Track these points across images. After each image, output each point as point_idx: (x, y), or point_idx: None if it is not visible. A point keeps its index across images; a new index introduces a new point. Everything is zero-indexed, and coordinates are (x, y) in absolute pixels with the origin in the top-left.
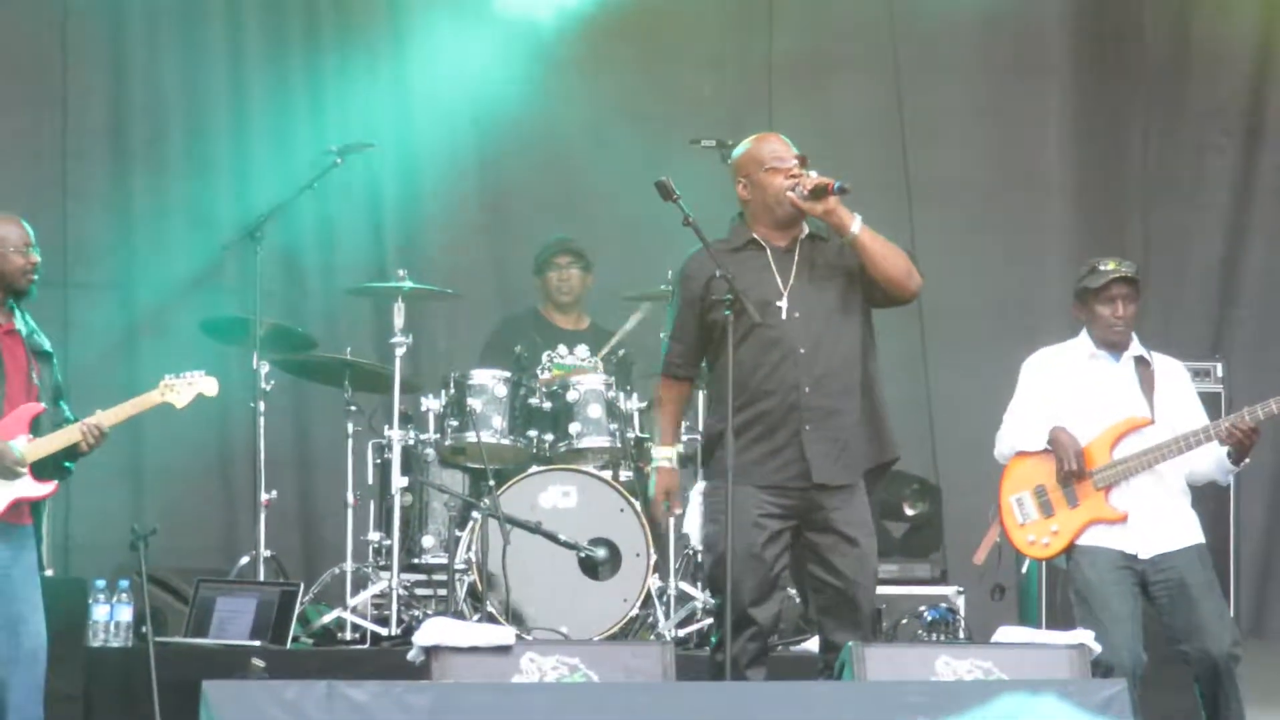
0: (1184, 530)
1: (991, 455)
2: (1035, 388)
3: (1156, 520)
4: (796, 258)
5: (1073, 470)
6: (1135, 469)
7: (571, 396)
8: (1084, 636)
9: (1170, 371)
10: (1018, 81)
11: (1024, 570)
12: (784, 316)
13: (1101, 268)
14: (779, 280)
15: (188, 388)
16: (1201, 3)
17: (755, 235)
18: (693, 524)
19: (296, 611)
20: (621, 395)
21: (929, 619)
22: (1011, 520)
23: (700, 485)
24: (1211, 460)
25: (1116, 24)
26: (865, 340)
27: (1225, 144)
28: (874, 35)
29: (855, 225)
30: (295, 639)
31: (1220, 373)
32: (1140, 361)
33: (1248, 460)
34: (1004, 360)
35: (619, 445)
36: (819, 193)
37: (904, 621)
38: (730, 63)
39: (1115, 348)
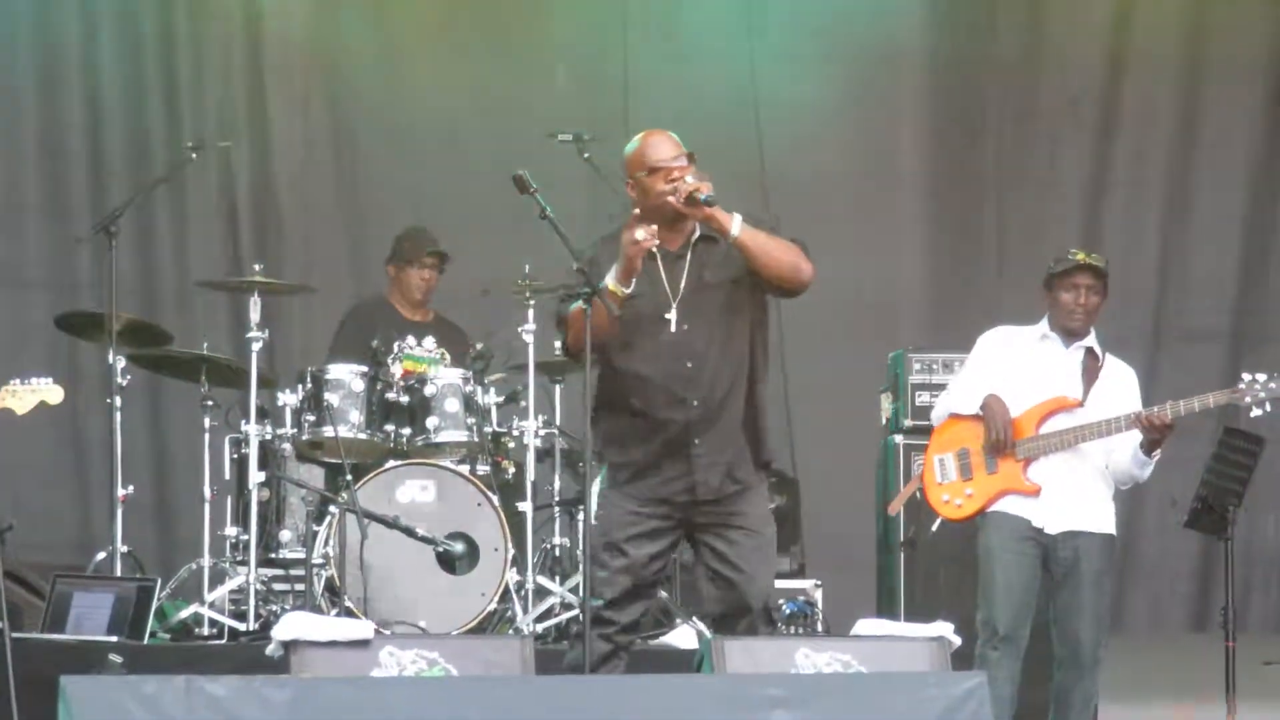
0: (1095, 516)
1: (848, 448)
2: (983, 359)
3: (1069, 499)
4: (688, 263)
5: (999, 439)
6: (1057, 445)
7: (429, 391)
8: (944, 629)
9: (1118, 372)
10: (872, 74)
11: (934, 528)
12: (674, 329)
13: (1070, 255)
14: (668, 290)
15: (30, 394)
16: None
17: None
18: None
19: (154, 607)
20: (479, 390)
21: (787, 612)
22: (931, 478)
23: (598, 481)
24: (1129, 453)
25: (969, 18)
26: (754, 341)
27: (1078, 136)
28: (729, 26)
29: (735, 227)
30: (153, 634)
31: None
32: (1089, 354)
33: (1159, 453)
34: (860, 352)
35: (476, 440)
36: (693, 199)
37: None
38: (585, 53)
39: (1071, 335)
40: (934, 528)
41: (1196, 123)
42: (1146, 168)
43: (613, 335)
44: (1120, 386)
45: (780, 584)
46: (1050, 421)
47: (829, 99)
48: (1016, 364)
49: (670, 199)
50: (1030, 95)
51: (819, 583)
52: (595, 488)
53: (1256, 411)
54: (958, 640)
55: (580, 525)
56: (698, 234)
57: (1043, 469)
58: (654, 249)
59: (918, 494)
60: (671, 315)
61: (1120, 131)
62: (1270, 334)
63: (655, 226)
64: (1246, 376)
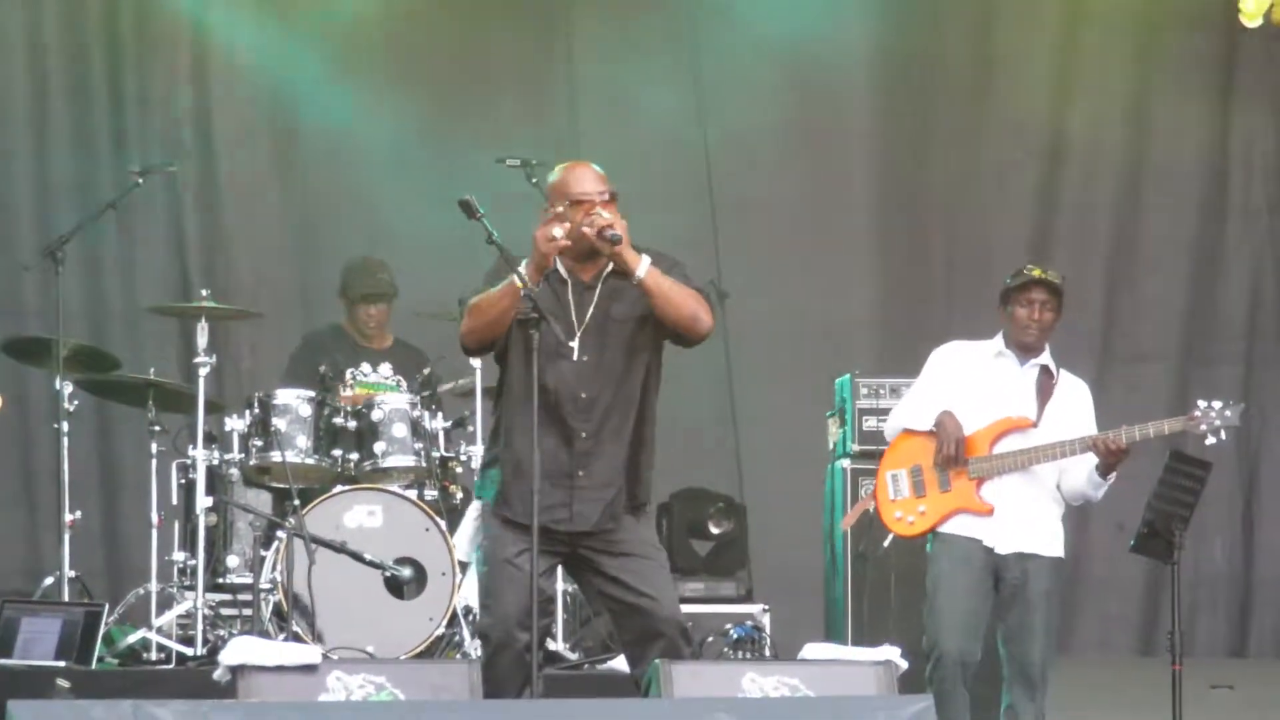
0: (1046, 537)
1: (797, 473)
2: (936, 375)
3: (1021, 520)
4: (597, 296)
5: (950, 455)
6: (1010, 466)
7: (376, 416)
8: (890, 653)
9: (1072, 389)
10: (820, 99)
11: (885, 544)
12: (574, 358)
13: (1025, 270)
14: (575, 320)
15: None
16: (1000, 24)
17: (560, 266)
18: (463, 536)
19: (101, 632)
20: (426, 414)
21: (735, 636)
22: (884, 494)
23: (475, 505)
24: (1083, 473)
25: (918, 44)
26: (648, 383)
27: (1025, 161)
28: (676, 53)
29: (641, 269)
30: (100, 659)
31: None
32: (1044, 371)
33: (1113, 478)
34: (808, 377)
35: (424, 464)
36: (605, 236)
37: (710, 639)
38: (533, 78)
39: (1026, 351)
40: (885, 543)
41: (1144, 146)
42: (1094, 192)
43: (498, 335)
44: (1074, 405)
45: (728, 609)
46: (1004, 441)
47: (777, 124)
48: (970, 380)
49: (586, 230)
50: (978, 121)
51: (766, 607)
52: (472, 513)
53: (1211, 440)
54: (904, 664)
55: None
56: (609, 269)
57: (996, 489)
58: (565, 277)
59: (869, 510)
60: (574, 344)
61: (1068, 157)
62: (1217, 356)
63: (568, 224)
64: (1202, 404)
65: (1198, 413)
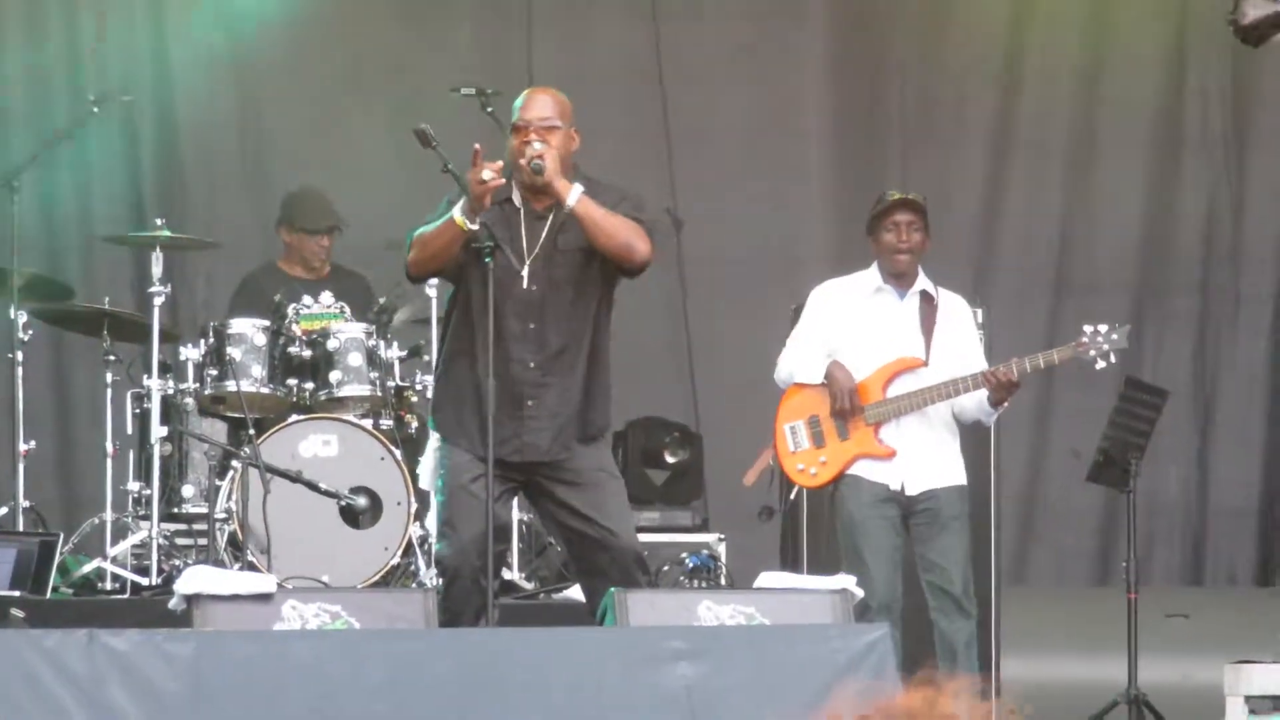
0: (948, 469)
1: (753, 401)
2: (818, 319)
3: (923, 458)
4: (547, 226)
5: (845, 409)
6: (905, 409)
7: (332, 345)
8: (846, 581)
9: (954, 311)
10: (776, 27)
11: (792, 496)
12: (524, 286)
13: (885, 195)
14: (525, 248)
15: None
16: None
17: (515, 195)
18: (425, 466)
19: (56, 562)
20: (382, 344)
21: (690, 566)
22: (784, 447)
23: (435, 437)
24: (975, 402)
25: None
26: (599, 316)
27: (983, 95)
28: None
29: (571, 198)
30: (55, 589)
31: (980, 319)
32: (925, 299)
33: (1005, 405)
34: (764, 306)
35: (379, 394)
36: (536, 168)
37: (666, 569)
38: (488, 6)
39: (901, 279)
40: (792, 496)
41: (1100, 78)
42: (1050, 121)
43: (442, 267)
44: (959, 331)
45: (683, 538)
46: (896, 383)
47: (733, 52)
48: (854, 320)
49: (521, 160)
50: (936, 53)
51: (722, 536)
52: (433, 442)
53: (1100, 364)
54: (860, 592)
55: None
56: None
57: (894, 431)
58: (519, 206)
59: (771, 464)
60: (524, 273)
61: (1024, 86)
62: (1173, 286)
63: (500, 164)
64: (1088, 329)
65: (1085, 339)
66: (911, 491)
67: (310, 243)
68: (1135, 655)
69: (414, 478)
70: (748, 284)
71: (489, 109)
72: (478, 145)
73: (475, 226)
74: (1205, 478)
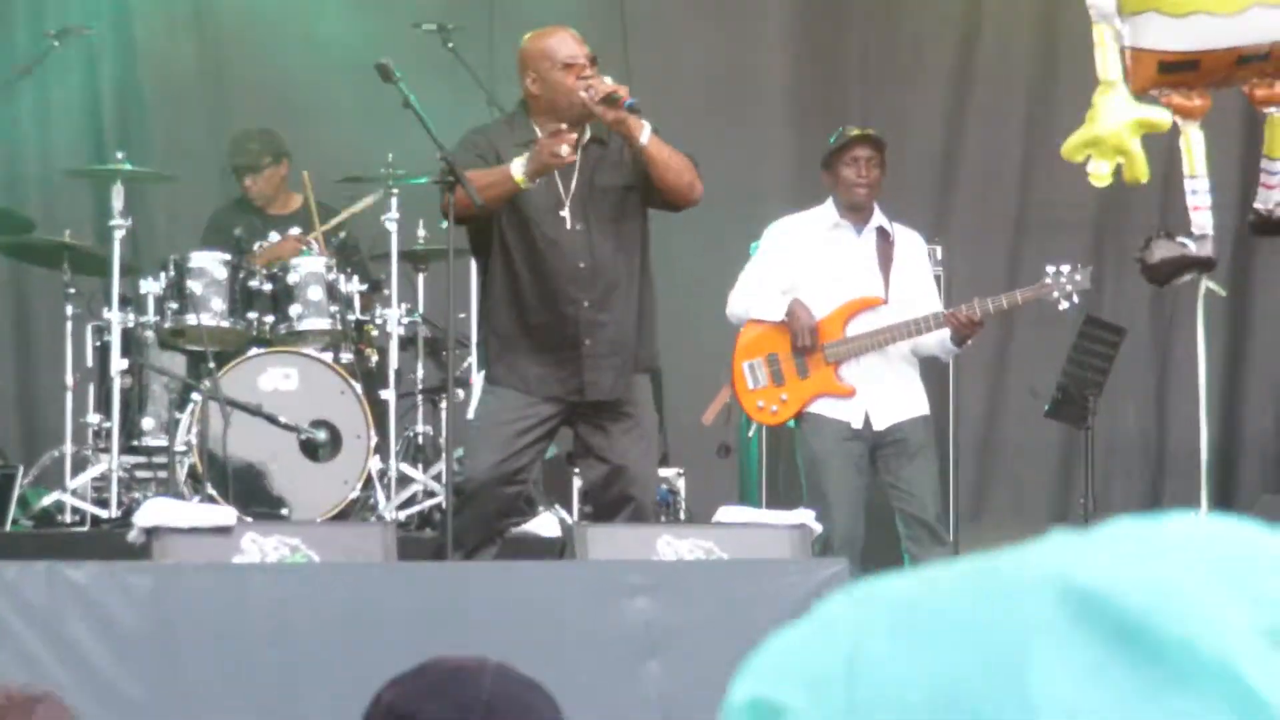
0: (912, 401)
1: (711, 339)
2: (774, 255)
3: (883, 395)
4: (579, 163)
5: (805, 346)
6: (865, 348)
7: (292, 279)
8: (805, 516)
9: (909, 246)
10: None
11: (749, 434)
12: (568, 227)
13: (845, 130)
14: (560, 187)
15: None
16: None
17: (537, 130)
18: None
19: (15, 494)
20: (342, 278)
21: None
22: (743, 384)
23: (483, 383)
24: (935, 338)
25: None
26: (645, 247)
27: (943, 33)
28: None
29: (644, 135)
30: (14, 521)
31: (940, 257)
32: (881, 234)
33: (969, 343)
34: (725, 248)
35: (339, 328)
36: (611, 100)
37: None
38: None
39: (858, 212)
40: (750, 433)
41: (1059, 15)
42: (1010, 63)
43: (475, 212)
44: (915, 264)
45: None
46: (855, 321)
47: (693, 6)
48: (811, 257)
49: (585, 95)
50: (894, 6)
51: (681, 471)
52: (479, 379)
53: (1064, 305)
54: (819, 527)
55: (444, 414)
56: (589, 135)
57: (854, 369)
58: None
59: (729, 402)
60: (565, 213)
61: (984, 32)
62: (1132, 225)
63: (574, 135)
64: (1050, 269)
65: (1048, 279)
66: (879, 426)
67: (247, 182)
68: None
69: (377, 408)
70: (705, 222)
71: (449, 44)
72: (581, 89)
73: (534, 185)
74: (1163, 414)
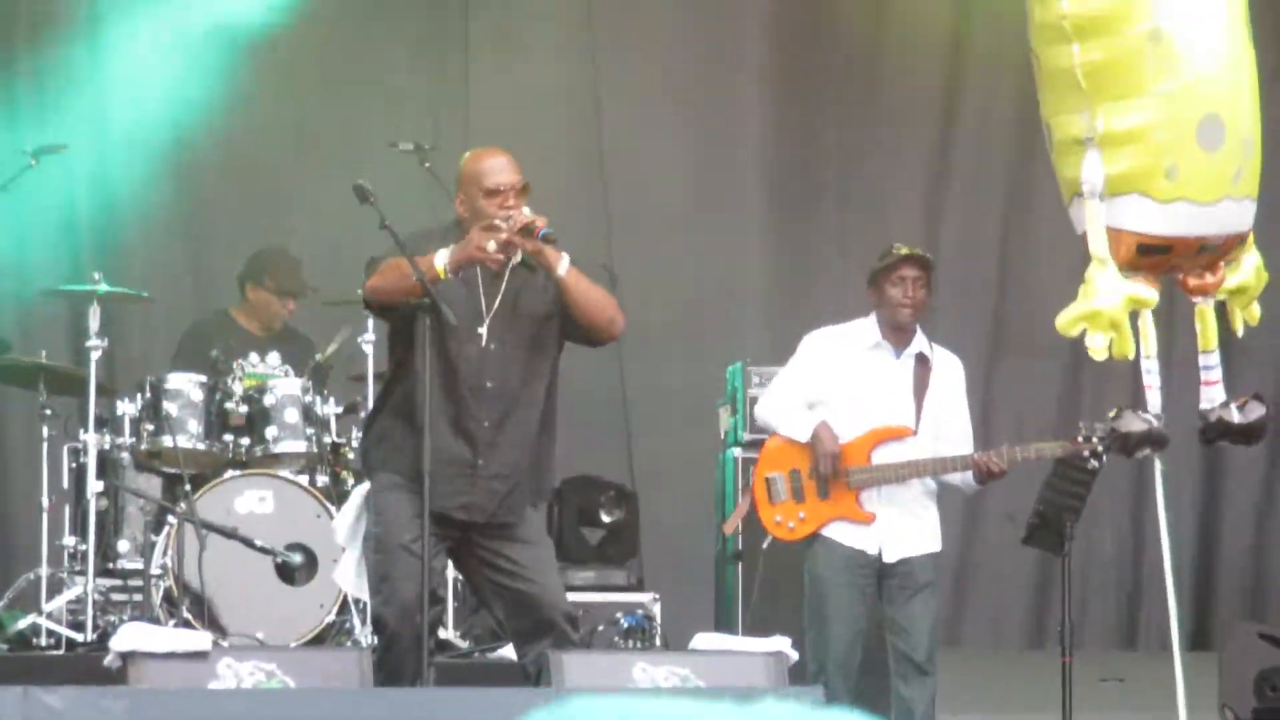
0: (926, 536)
1: (688, 461)
2: (808, 368)
3: (900, 527)
4: (504, 285)
5: (827, 473)
6: (889, 479)
7: (268, 401)
8: (780, 644)
9: (946, 374)
10: (713, 72)
11: (765, 546)
12: (482, 344)
13: (894, 249)
14: (483, 305)
15: None
16: (894, 10)
17: None
18: (343, 521)
19: None
20: (318, 400)
21: (625, 626)
22: (762, 496)
23: (364, 485)
24: (959, 475)
25: (812, 19)
26: (552, 379)
27: (917, 137)
28: (569, 16)
29: (562, 267)
30: None
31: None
32: (920, 360)
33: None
34: (701, 360)
35: (315, 450)
36: (526, 231)
37: (600, 628)
38: (426, 45)
39: (900, 333)
40: (765, 545)
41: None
42: (987, 173)
43: (411, 296)
44: (950, 395)
45: (618, 597)
46: (883, 449)
47: (672, 104)
48: (845, 376)
49: (499, 225)
50: (871, 93)
51: (657, 596)
52: (355, 498)
53: (1094, 464)
54: (795, 655)
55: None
56: (518, 258)
57: (875, 498)
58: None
59: (749, 509)
60: (483, 330)
61: (958, 139)
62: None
63: (505, 237)
64: (1084, 427)
65: (1080, 438)
66: (889, 559)
67: (276, 303)
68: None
69: None
70: (685, 335)
71: (426, 164)
72: (502, 219)
73: (453, 276)
74: (1140, 541)
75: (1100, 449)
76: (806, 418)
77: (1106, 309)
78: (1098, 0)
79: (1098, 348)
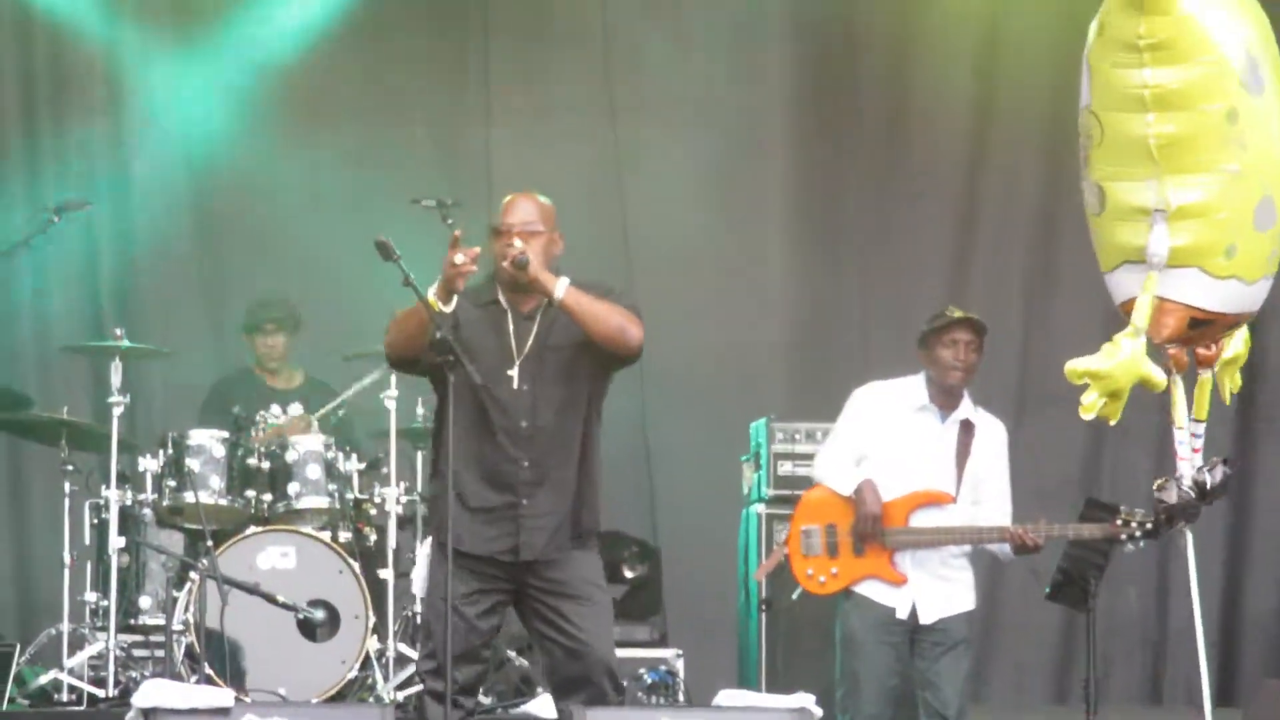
0: (960, 596)
1: (712, 517)
2: (856, 424)
3: (934, 588)
4: (536, 327)
5: (866, 532)
6: (924, 543)
7: (290, 457)
8: (804, 700)
9: (989, 441)
10: (737, 143)
11: (795, 596)
12: (515, 386)
13: (947, 312)
14: (514, 348)
15: None
16: (916, 74)
17: (499, 297)
18: (419, 575)
19: (12, 672)
20: (340, 455)
21: (649, 682)
22: (796, 548)
23: (428, 543)
24: (994, 545)
25: (834, 91)
26: (590, 412)
27: (940, 203)
28: (591, 97)
29: (559, 290)
30: (11, 700)
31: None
32: (964, 427)
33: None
34: (723, 420)
35: (338, 506)
36: (517, 264)
37: (624, 684)
38: (447, 117)
39: (947, 396)
40: (795, 596)
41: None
42: (1010, 232)
43: (416, 352)
44: (991, 465)
45: (641, 653)
46: (921, 513)
47: (693, 167)
48: (890, 435)
49: (504, 263)
50: (895, 152)
51: (680, 652)
52: (423, 549)
53: (1130, 548)
54: (819, 711)
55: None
56: (548, 301)
57: (908, 560)
58: (505, 308)
59: (782, 560)
60: (514, 373)
61: (982, 209)
62: (1131, 403)
63: (476, 250)
64: (1124, 510)
65: (1119, 521)
66: (925, 620)
67: (258, 342)
68: None
69: (375, 587)
70: (707, 396)
71: (449, 220)
72: (458, 231)
73: (449, 309)
74: (1165, 596)
75: (1138, 534)
76: (851, 473)
77: (1118, 377)
78: (1184, 74)
79: (1087, 405)
